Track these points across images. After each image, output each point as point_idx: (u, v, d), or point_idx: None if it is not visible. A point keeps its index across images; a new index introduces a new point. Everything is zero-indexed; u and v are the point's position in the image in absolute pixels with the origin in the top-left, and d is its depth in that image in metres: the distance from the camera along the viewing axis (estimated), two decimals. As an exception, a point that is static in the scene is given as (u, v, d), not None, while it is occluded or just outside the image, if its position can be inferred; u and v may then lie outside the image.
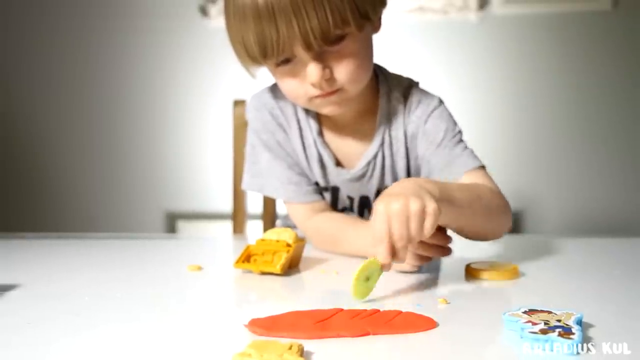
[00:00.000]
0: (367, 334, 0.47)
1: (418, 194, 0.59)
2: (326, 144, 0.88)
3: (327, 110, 0.81)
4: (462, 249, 0.89)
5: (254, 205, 1.24)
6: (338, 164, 0.88)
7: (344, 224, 0.82)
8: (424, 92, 0.88)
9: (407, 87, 0.88)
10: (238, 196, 1.19)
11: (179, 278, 0.69)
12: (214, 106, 2.12)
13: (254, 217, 1.23)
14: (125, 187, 2.21)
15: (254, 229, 1.28)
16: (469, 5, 2.05)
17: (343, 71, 0.75)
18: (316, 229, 0.85)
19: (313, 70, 0.74)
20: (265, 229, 1.15)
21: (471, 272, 0.69)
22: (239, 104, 1.21)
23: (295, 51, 0.74)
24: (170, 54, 2.15)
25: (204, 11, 2.11)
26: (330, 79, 0.76)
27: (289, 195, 0.87)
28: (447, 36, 2.07)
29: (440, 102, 0.87)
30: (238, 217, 1.19)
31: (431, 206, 0.58)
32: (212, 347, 0.45)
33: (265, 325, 0.48)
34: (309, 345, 0.44)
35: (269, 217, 1.17)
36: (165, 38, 2.14)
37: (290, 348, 0.41)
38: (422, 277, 0.70)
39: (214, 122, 2.11)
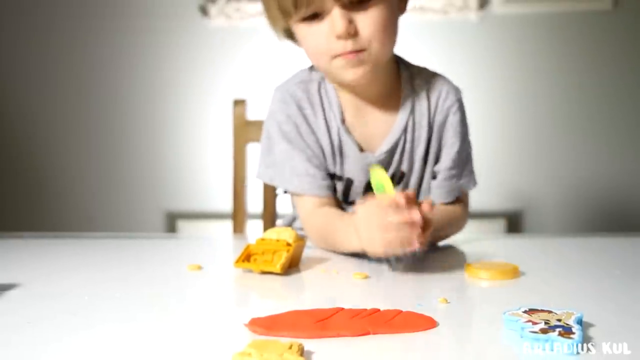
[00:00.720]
0: (367, 333, 0.47)
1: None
2: (349, 132, 0.88)
3: (349, 74, 0.81)
4: (462, 248, 0.89)
5: (254, 204, 1.24)
6: (361, 150, 0.89)
7: (339, 221, 0.82)
8: (449, 82, 0.92)
9: (430, 75, 0.91)
10: (238, 196, 1.19)
11: (179, 277, 0.69)
12: (213, 106, 2.12)
13: (254, 216, 1.23)
14: (125, 187, 2.21)
15: (254, 229, 1.28)
16: (469, 5, 2.04)
17: (368, 29, 0.78)
18: (315, 224, 0.86)
19: (339, 20, 0.76)
20: (266, 228, 1.15)
21: (471, 272, 0.68)
22: (238, 103, 1.21)
23: (325, 3, 0.76)
24: (170, 53, 2.15)
25: (204, 11, 2.11)
26: (355, 36, 0.78)
27: (304, 187, 0.87)
28: (447, 36, 2.07)
29: (460, 92, 0.93)
30: (238, 216, 1.19)
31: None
32: (212, 346, 0.45)
33: (266, 325, 0.48)
34: (309, 344, 0.44)
35: (269, 216, 1.17)
36: (165, 37, 2.13)
37: (290, 347, 0.41)
38: (422, 276, 0.70)
39: (214, 122, 2.11)
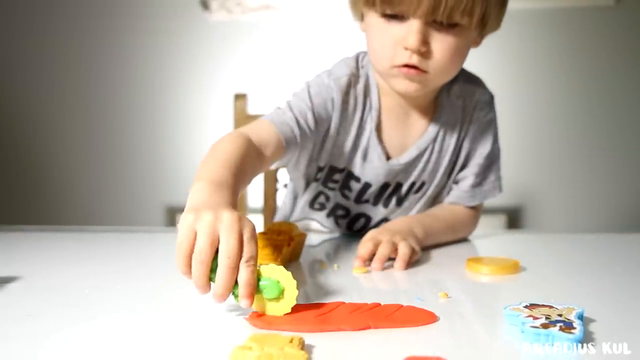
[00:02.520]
0: (368, 327, 0.47)
1: (405, 237, 0.75)
2: (380, 139, 0.86)
3: (400, 86, 0.79)
4: (463, 243, 0.89)
5: (255, 199, 1.24)
6: (387, 157, 0.87)
7: (232, 159, 0.67)
8: (485, 89, 0.91)
9: (467, 81, 0.89)
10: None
11: (180, 271, 0.69)
12: (214, 100, 2.12)
13: (255, 211, 1.23)
14: (125, 181, 2.21)
15: (255, 223, 1.27)
16: (471, 0, 2.03)
17: (438, 55, 0.76)
18: (230, 141, 0.73)
19: (415, 34, 0.73)
20: (266, 222, 1.15)
21: (472, 267, 0.68)
22: (239, 98, 1.20)
23: (414, 11, 0.73)
24: (170, 47, 2.14)
25: (205, 5, 2.10)
26: (424, 56, 0.75)
27: (273, 117, 0.80)
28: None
29: (494, 99, 0.92)
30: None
31: (409, 251, 0.72)
32: (213, 340, 0.45)
33: (266, 319, 0.48)
34: (309, 338, 0.44)
35: (270, 211, 1.17)
36: (166, 32, 2.13)
37: (291, 341, 0.41)
38: (423, 271, 0.70)
39: (214, 116, 2.11)
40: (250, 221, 0.53)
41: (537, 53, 2.05)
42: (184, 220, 0.52)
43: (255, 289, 0.49)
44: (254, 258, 0.50)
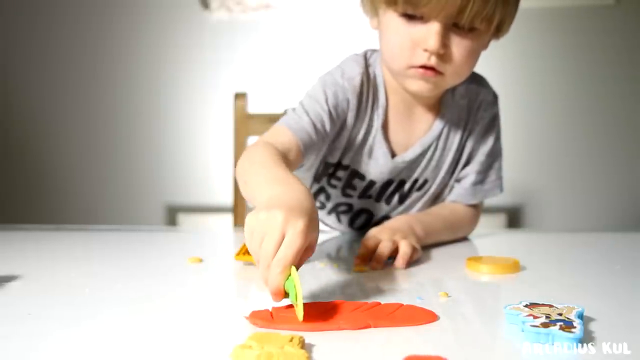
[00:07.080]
0: (368, 326, 0.47)
1: (406, 236, 0.75)
2: (386, 137, 0.87)
3: (415, 86, 0.80)
4: (463, 242, 0.89)
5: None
6: (392, 155, 0.88)
7: (274, 171, 0.66)
8: (489, 89, 0.91)
9: (471, 81, 0.89)
10: (239, 189, 1.19)
11: (180, 270, 0.69)
12: (214, 99, 2.12)
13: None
14: (126, 180, 2.21)
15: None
16: None
17: (456, 58, 0.77)
18: (257, 153, 0.72)
19: (436, 37, 0.74)
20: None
21: (472, 266, 0.68)
22: (239, 97, 1.20)
23: (437, 14, 0.73)
24: (170, 46, 2.14)
25: (205, 4, 2.10)
26: (442, 58, 0.76)
27: (290, 122, 0.80)
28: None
29: (498, 99, 0.92)
30: (239, 209, 1.19)
31: (409, 249, 0.72)
32: (213, 339, 0.45)
33: (266, 318, 0.48)
34: (309, 337, 0.44)
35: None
36: (166, 30, 2.13)
37: (291, 340, 0.41)
38: (423, 270, 0.70)
39: (214, 115, 2.11)
40: (299, 221, 0.51)
41: (537, 52, 2.05)
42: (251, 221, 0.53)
43: (281, 289, 0.50)
44: (282, 259, 0.50)
